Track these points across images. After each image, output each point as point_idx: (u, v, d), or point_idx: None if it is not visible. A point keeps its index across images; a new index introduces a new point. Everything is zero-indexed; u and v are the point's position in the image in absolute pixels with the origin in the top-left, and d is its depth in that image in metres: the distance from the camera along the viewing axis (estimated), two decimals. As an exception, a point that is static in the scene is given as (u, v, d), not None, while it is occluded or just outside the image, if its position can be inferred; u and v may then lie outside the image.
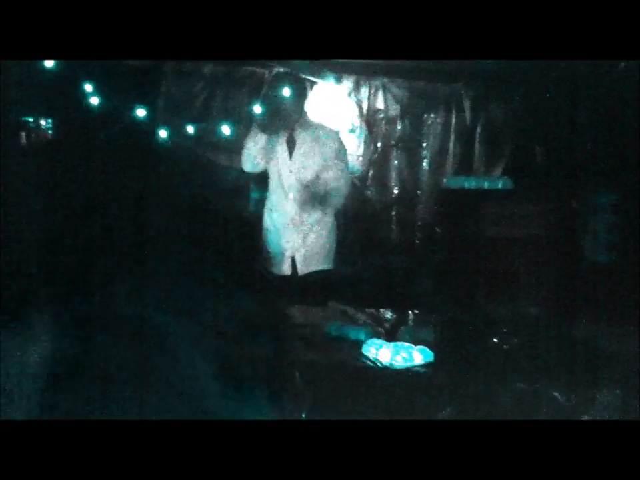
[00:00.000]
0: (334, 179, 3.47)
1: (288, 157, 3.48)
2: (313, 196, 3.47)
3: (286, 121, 3.42)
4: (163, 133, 3.64)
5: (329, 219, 3.57)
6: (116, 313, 2.56)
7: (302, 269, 3.47)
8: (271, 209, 3.59)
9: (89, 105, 3.31)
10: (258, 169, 3.56)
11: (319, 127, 3.56)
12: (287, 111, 3.38)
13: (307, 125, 3.51)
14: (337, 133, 3.66)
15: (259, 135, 3.44)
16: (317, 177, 3.44)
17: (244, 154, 3.53)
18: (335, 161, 3.48)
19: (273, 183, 3.55)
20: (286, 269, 3.49)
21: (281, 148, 3.49)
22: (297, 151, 3.48)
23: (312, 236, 3.51)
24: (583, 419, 2.00)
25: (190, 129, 3.64)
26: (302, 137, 3.48)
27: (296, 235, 3.50)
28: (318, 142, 3.47)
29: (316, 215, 3.51)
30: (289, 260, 3.49)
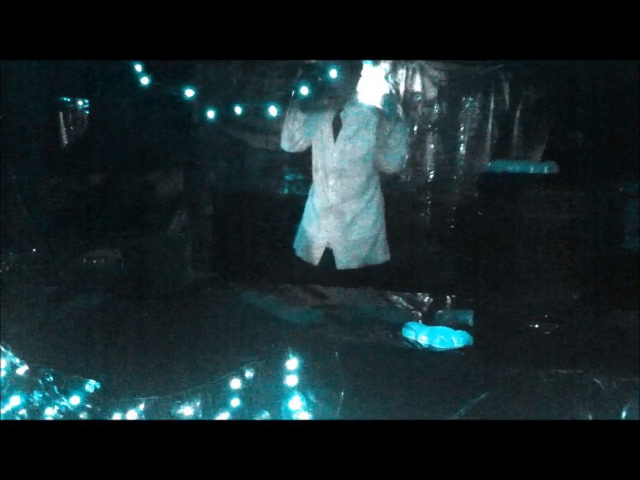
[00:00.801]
0: (383, 165, 3.26)
1: (332, 139, 3.27)
2: (356, 183, 3.26)
3: (332, 101, 3.20)
4: (199, 114, 3.65)
5: (374, 209, 3.33)
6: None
7: (340, 263, 3.23)
8: (312, 194, 3.41)
9: (121, 84, 3.33)
10: (296, 149, 3.38)
11: (370, 108, 3.31)
12: (334, 90, 3.16)
13: (357, 106, 3.29)
14: (388, 115, 3.34)
15: (298, 113, 3.25)
16: (363, 163, 3.25)
17: (283, 132, 3.35)
18: (387, 145, 3.23)
19: (315, 165, 3.36)
20: (319, 260, 3.26)
21: (325, 128, 3.29)
22: (343, 133, 3.26)
23: (353, 227, 3.29)
24: (624, 405, 1.99)
25: (227, 110, 3.57)
26: (349, 119, 3.26)
27: (335, 225, 3.28)
28: (367, 125, 3.25)
29: (359, 203, 3.31)
30: (322, 251, 3.27)
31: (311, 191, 3.42)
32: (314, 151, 3.34)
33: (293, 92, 3.19)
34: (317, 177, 3.35)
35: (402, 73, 4.14)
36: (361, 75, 3.30)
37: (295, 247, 3.41)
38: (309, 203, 3.42)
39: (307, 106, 3.19)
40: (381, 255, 3.31)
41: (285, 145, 3.39)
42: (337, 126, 3.28)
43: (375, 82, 4.06)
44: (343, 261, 3.24)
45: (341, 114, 3.26)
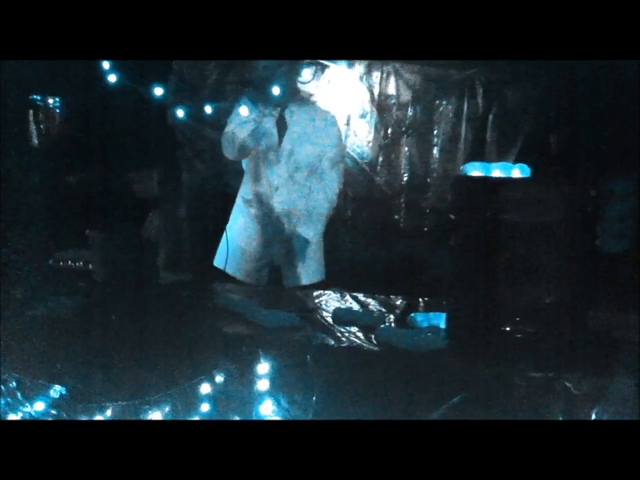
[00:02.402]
0: (328, 169, 3.05)
1: (276, 142, 3.00)
2: (302, 190, 3.02)
3: (274, 102, 2.94)
4: (174, 114, 3.58)
5: (318, 224, 3.07)
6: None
7: (289, 281, 3.06)
8: (248, 205, 3.11)
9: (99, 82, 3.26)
10: (241, 157, 3.10)
11: (313, 108, 3.14)
12: (277, 91, 2.84)
13: (299, 106, 3.06)
14: (333, 115, 3.18)
15: (239, 119, 2.96)
16: (312, 167, 3.03)
17: (223, 139, 3.07)
18: (330, 149, 3.04)
19: (254, 173, 3.06)
20: (263, 280, 3.09)
21: (269, 131, 3.00)
22: (289, 135, 3.01)
23: (298, 239, 3.03)
24: (594, 408, 2.00)
25: (201, 110, 3.46)
26: (295, 119, 3.02)
27: (280, 238, 3.05)
28: (311, 126, 3.02)
29: (305, 213, 3.05)
30: (268, 269, 3.09)
31: (241, 202, 3.11)
32: (253, 159, 3.06)
33: (241, 96, 2.96)
34: (258, 185, 3.06)
35: (376, 75, 4.16)
36: (302, 70, 3.14)
37: (225, 268, 3.10)
38: (242, 216, 3.11)
39: (250, 108, 2.90)
40: (319, 272, 3.08)
41: (229, 154, 3.08)
42: (281, 127, 3.02)
43: (340, 84, 4.02)
44: (291, 277, 3.03)
45: (285, 113, 3.02)
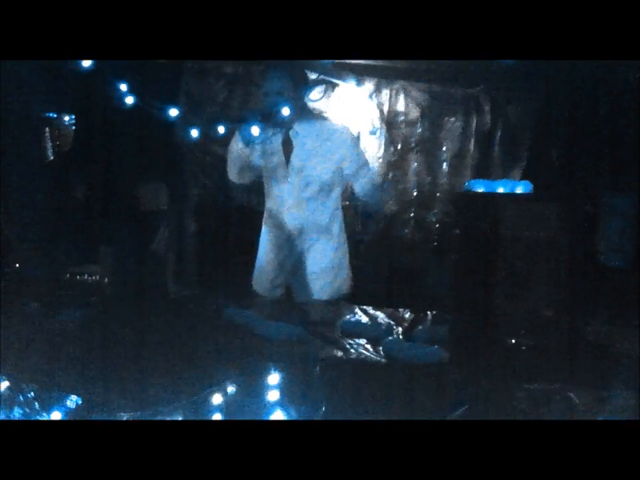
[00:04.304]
0: (343, 188, 3.03)
1: (284, 164, 2.94)
2: (314, 211, 2.95)
3: (281, 119, 2.79)
4: (182, 131, 3.63)
5: (334, 240, 3.02)
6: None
7: (300, 297, 3.02)
8: (265, 224, 3.10)
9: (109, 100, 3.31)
10: (246, 181, 3.10)
11: (326, 125, 3.05)
12: (283, 107, 2.73)
13: (309, 122, 2.96)
14: (349, 131, 3.10)
15: (239, 140, 2.87)
16: (323, 187, 2.95)
17: (228, 163, 3.04)
18: (348, 165, 2.96)
19: (267, 193, 3.04)
20: (277, 296, 3.09)
21: (275, 152, 2.95)
22: (295, 156, 2.92)
23: (312, 259, 2.99)
24: (595, 419, 2.02)
25: (210, 127, 3.43)
26: (302, 138, 2.92)
27: (291, 260, 3.02)
28: (323, 142, 2.93)
29: (318, 233, 3.00)
30: (283, 289, 3.08)
31: (263, 221, 3.10)
32: (265, 178, 3.02)
33: (243, 115, 2.89)
34: (270, 205, 3.02)
35: (385, 93, 4.23)
36: (308, 85, 2.98)
37: (253, 283, 3.14)
38: (262, 235, 3.10)
39: (253, 129, 2.77)
40: (345, 288, 3.05)
41: (233, 177, 3.05)
42: (288, 148, 2.94)
43: (349, 102, 4.06)
44: (302, 295, 2.99)
45: (291, 133, 2.93)
